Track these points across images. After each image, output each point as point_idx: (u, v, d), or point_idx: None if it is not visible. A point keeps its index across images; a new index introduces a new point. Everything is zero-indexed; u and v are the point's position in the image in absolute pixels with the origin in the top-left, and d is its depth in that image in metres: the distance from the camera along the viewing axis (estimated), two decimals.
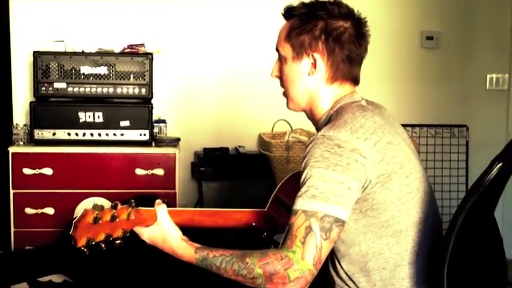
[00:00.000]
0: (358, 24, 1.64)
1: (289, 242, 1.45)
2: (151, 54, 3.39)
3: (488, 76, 4.08)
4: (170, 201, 3.25)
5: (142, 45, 3.50)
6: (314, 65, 1.64)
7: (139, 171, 3.28)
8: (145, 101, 3.39)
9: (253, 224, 1.76)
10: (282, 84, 1.72)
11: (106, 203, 3.16)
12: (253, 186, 3.47)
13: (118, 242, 1.57)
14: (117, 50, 3.51)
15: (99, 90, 3.33)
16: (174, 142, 3.42)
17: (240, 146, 3.70)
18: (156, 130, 3.52)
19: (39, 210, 3.24)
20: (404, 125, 3.83)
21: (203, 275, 1.57)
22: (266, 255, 1.45)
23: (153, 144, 3.40)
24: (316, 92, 1.66)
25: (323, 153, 1.48)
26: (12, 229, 3.25)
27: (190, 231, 1.62)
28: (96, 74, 3.32)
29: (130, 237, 1.59)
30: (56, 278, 3.09)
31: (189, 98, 3.81)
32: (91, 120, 3.31)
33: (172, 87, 3.76)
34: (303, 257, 1.42)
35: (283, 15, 1.70)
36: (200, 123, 3.82)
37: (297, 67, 1.65)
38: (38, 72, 3.28)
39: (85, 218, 1.52)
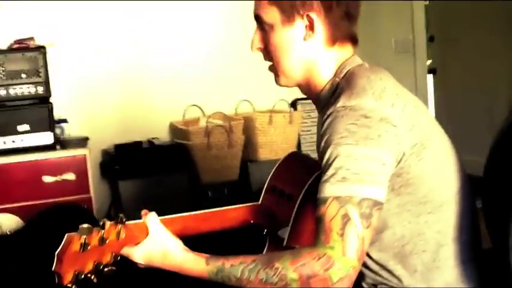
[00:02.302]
0: None
1: (323, 236, 1.22)
2: (44, 47, 3.04)
3: (393, 39, 4.07)
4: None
5: (31, 39, 3.13)
6: (310, 27, 1.39)
7: (47, 179, 2.94)
8: (43, 101, 3.04)
9: (252, 221, 1.51)
10: (269, 57, 1.47)
11: (15, 220, 2.82)
12: (175, 179, 3.22)
13: (107, 269, 1.27)
14: (3, 47, 3.12)
15: None
16: (82, 142, 3.11)
17: (153, 138, 3.43)
18: (57, 131, 3.17)
19: None
20: None
21: None
22: (299, 256, 1.22)
23: (58, 147, 3.06)
24: (315, 59, 1.42)
25: (349, 127, 1.26)
26: None
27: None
28: None
29: (122, 260, 1.31)
30: None
31: (89, 93, 3.48)
32: None
33: (69, 83, 3.41)
34: (344, 253, 1.20)
35: None
36: (103, 119, 3.51)
37: (289, 33, 1.40)
38: None
39: (70, 246, 1.21)
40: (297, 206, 1.46)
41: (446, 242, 1.40)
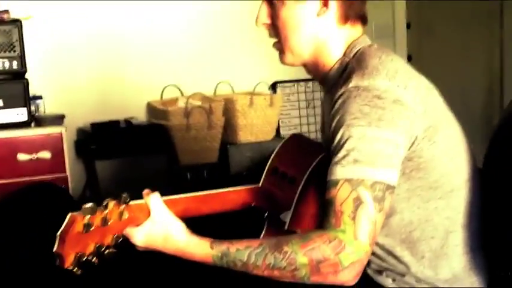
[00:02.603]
0: None
1: (334, 220, 1.18)
2: (19, 21, 2.91)
3: (374, 23, 4.03)
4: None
5: (6, 11, 2.99)
6: (324, 2, 1.35)
7: (22, 157, 2.83)
8: (18, 76, 2.92)
9: (253, 204, 1.46)
10: (275, 34, 1.41)
11: None
12: (153, 160, 3.15)
13: (109, 251, 1.21)
14: None
15: None
16: (58, 120, 3.00)
17: (130, 118, 3.34)
18: (32, 108, 3.06)
19: None
20: (299, 80, 3.74)
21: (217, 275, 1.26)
22: (309, 239, 1.18)
23: (33, 124, 2.95)
24: (325, 37, 1.38)
25: (362, 107, 1.22)
26: None
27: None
28: None
29: (124, 242, 1.24)
30: None
31: (65, 69, 3.37)
32: None
33: (44, 59, 3.29)
34: (356, 236, 1.17)
35: None
36: (79, 96, 3.40)
37: (301, 8, 1.35)
38: None
39: (73, 226, 1.14)
40: (300, 189, 1.43)
41: (455, 228, 1.37)
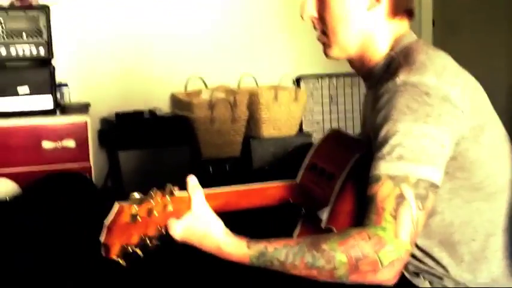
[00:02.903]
0: None
1: (374, 216, 1.15)
2: (47, 7, 2.91)
3: None
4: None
5: None
6: None
7: (46, 144, 2.83)
8: (45, 62, 2.92)
9: (290, 200, 1.43)
10: (323, 26, 1.37)
11: (10, 185, 2.71)
12: (176, 152, 3.13)
13: (152, 243, 1.18)
14: (4, 4, 2.98)
15: None
16: (84, 109, 3.00)
17: (154, 108, 3.33)
18: (57, 96, 3.05)
19: None
20: (323, 75, 3.70)
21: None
22: (348, 236, 1.15)
23: (58, 112, 2.95)
24: (374, 31, 1.34)
25: (409, 103, 1.19)
26: None
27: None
28: None
29: (167, 235, 1.22)
30: None
31: (90, 58, 3.37)
32: None
33: (70, 47, 3.29)
34: (396, 234, 1.13)
35: None
36: (103, 86, 3.39)
37: (353, 0, 1.31)
38: None
39: (120, 216, 1.12)
40: (339, 185, 1.40)
41: (496, 232, 1.34)
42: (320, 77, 3.76)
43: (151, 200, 1.15)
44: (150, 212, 1.15)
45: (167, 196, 1.18)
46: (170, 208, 1.19)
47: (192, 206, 1.23)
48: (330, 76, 3.77)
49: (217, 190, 1.32)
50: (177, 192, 1.20)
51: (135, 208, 1.12)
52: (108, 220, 1.11)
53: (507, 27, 4.26)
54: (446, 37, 4.44)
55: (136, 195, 1.14)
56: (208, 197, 1.26)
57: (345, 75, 3.77)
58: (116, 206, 1.12)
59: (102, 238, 1.12)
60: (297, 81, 3.73)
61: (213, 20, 3.59)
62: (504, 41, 4.34)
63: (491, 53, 4.35)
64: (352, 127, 3.85)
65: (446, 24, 4.46)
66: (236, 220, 1.35)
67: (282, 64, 3.71)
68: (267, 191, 1.41)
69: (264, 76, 3.65)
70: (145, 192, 1.16)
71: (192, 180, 1.23)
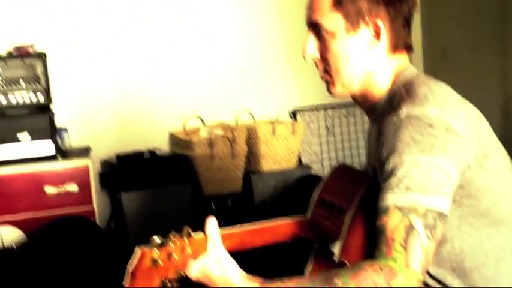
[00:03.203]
0: None
1: (385, 248, 1.18)
2: (44, 54, 2.95)
3: None
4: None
5: (31, 45, 3.03)
6: (377, 35, 1.35)
7: (49, 190, 2.84)
8: (44, 109, 2.95)
9: (302, 235, 1.45)
10: (325, 66, 1.40)
11: (15, 233, 2.72)
12: (178, 191, 3.15)
13: (172, 286, 1.20)
14: (2, 53, 3.02)
15: None
16: (84, 152, 3.02)
17: (154, 148, 3.35)
18: (58, 141, 3.07)
19: None
20: (318, 108, 3.74)
21: None
22: (360, 269, 1.17)
23: (59, 157, 2.97)
24: (375, 68, 1.37)
25: (414, 135, 1.22)
26: None
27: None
28: None
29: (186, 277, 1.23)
30: None
31: (89, 102, 3.40)
32: None
33: (68, 91, 3.32)
34: (407, 264, 1.16)
35: None
36: (103, 129, 3.42)
37: (353, 41, 1.35)
38: None
39: (143, 261, 1.14)
40: (349, 219, 1.42)
41: (506, 255, 1.36)
42: (316, 108, 3.81)
43: (171, 244, 1.17)
44: (170, 255, 1.17)
45: (185, 238, 1.20)
46: (189, 250, 1.21)
47: (208, 247, 1.25)
48: (325, 108, 3.82)
49: (232, 230, 1.34)
50: (195, 234, 1.22)
51: (156, 252, 1.14)
52: (131, 265, 1.13)
53: (498, 52, 4.33)
54: (437, 63, 4.51)
55: (157, 239, 1.16)
56: (223, 237, 1.28)
57: (340, 105, 3.82)
58: (138, 251, 1.14)
59: (126, 284, 1.14)
60: (293, 114, 3.77)
61: (207, 59, 3.64)
62: (495, 65, 4.39)
63: (482, 78, 4.41)
64: (351, 156, 3.88)
65: (435, 50, 4.52)
66: (250, 256, 1.37)
67: (277, 98, 3.76)
68: (279, 228, 1.43)
69: (260, 111, 3.69)
70: (164, 235, 1.18)
71: (210, 223, 1.26)
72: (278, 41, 3.74)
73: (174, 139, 3.48)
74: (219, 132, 3.34)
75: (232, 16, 3.68)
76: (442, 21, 4.46)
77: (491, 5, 4.30)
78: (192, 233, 1.22)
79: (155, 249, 1.14)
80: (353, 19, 1.33)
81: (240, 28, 3.72)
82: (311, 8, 1.38)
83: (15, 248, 2.54)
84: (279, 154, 3.40)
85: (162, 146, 3.49)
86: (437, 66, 4.50)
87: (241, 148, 3.30)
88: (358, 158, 3.89)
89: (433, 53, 4.52)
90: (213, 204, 3.25)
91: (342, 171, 1.54)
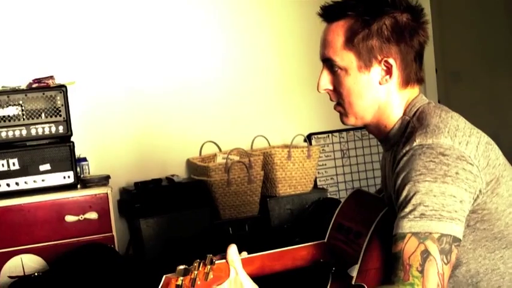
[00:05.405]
0: (418, 14, 1.42)
1: (402, 273, 1.22)
2: (64, 86, 3.02)
3: None
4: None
5: (51, 77, 3.11)
6: (388, 72, 1.41)
7: (69, 218, 2.89)
8: (64, 139, 3.01)
9: (321, 259, 1.50)
10: (338, 98, 1.46)
11: (36, 260, 2.77)
12: (196, 216, 3.19)
13: None
14: (22, 86, 3.10)
15: (10, 134, 2.92)
16: (104, 181, 3.07)
17: (172, 175, 3.40)
18: (77, 170, 3.14)
19: None
20: (333, 131, 3.79)
21: None
22: None
23: (79, 186, 3.03)
24: (387, 100, 1.43)
25: (427, 164, 1.28)
26: None
27: None
28: (3, 116, 2.90)
29: None
30: None
31: (108, 131, 3.46)
32: (5, 168, 2.88)
33: (87, 122, 3.38)
34: None
35: (327, 15, 1.43)
36: (122, 157, 3.48)
37: (365, 77, 1.41)
38: None
39: (167, 287, 1.20)
40: (366, 243, 1.45)
41: None
42: (330, 132, 3.85)
43: (194, 271, 1.22)
44: (193, 281, 1.22)
45: (208, 265, 1.24)
46: (211, 276, 1.25)
47: (231, 272, 1.30)
48: (340, 131, 3.85)
49: (253, 255, 1.38)
50: (217, 261, 1.27)
51: (180, 279, 1.19)
52: None
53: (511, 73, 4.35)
54: (449, 85, 4.54)
55: (181, 267, 1.21)
56: (245, 263, 1.32)
57: (355, 129, 3.85)
58: (164, 279, 1.18)
59: None
60: (308, 138, 3.81)
61: (223, 85, 3.70)
62: (508, 87, 4.41)
63: (496, 100, 4.43)
64: (366, 179, 3.91)
65: (447, 72, 4.56)
66: (271, 280, 1.41)
67: (292, 123, 3.80)
68: (299, 253, 1.47)
69: (275, 136, 3.74)
70: (189, 263, 1.23)
71: (231, 250, 1.31)
72: (292, 68, 3.80)
73: (191, 165, 3.53)
74: (235, 157, 3.38)
75: (249, 45, 3.75)
76: (454, 43, 4.51)
77: (504, 26, 4.34)
78: (215, 261, 1.27)
79: (180, 277, 1.19)
80: (365, 57, 1.39)
81: (257, 57, 3.78)
82: (324, 46, 1.44)
83: (36, 275, 2.59)
84: (294, 178, 3.43)
85: (180, 172, 3.53)
86: (450, 87, 4.54)
87: (258, 173, 3.34)
88: (373, 180, 3.92)
89: (446, 75, 4.56)
90: (230, 229, 3.29)
91: (358, 196, 1.58)
